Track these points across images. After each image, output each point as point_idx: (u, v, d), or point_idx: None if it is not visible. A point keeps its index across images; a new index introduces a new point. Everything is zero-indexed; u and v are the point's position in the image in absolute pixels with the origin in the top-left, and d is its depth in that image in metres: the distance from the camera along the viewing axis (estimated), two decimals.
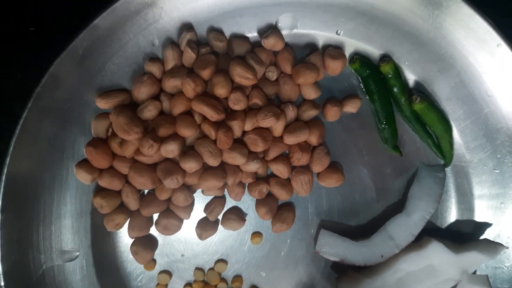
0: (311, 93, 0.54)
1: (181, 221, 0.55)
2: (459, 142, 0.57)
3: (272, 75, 0.53)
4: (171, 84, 0.51)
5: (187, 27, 0.53)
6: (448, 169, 0.57)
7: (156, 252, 0.57)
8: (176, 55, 0.52)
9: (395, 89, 0.55)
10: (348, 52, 0.56)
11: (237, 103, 0.50)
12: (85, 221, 0.55)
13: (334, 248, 0.55)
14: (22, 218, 0.52)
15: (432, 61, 0.55)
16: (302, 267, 0.57)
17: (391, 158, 0.57)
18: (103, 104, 0.51)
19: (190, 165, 0.50)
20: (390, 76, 0.54)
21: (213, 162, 0.51)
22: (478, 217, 0.57)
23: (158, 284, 0.57)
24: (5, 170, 0.50)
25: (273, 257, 0.57)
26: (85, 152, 0.52)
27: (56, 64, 0.49)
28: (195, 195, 0.56)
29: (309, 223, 0.57)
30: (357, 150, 0.57)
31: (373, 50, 0.55)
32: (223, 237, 0.57)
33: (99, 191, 0.54)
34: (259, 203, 0.55)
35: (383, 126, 0.56)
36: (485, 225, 0.57)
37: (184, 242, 0.57)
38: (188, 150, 0.52)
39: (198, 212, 0.56)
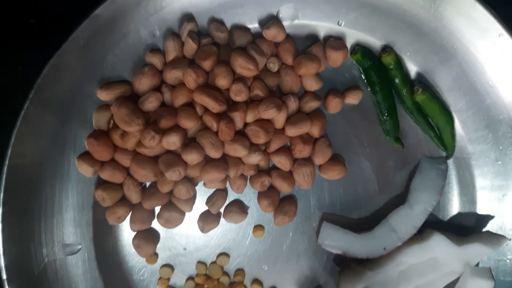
0: (312, 85, 0.54)
1: (183, 214, 0.55)
2: (461, 134, 0.56)
3: (274, 66, 0.53)
4: (172, 76, 0.51)
5: (188, 17, 0.53)
6: (450, 161, 0.57)
7: (158, 246, 0.56)
8: (177, 46, 0.51)
9: (397, 80, 0.55)
10: (349, 43, 0.55)
11: (239, 94, 0.50)
12: (87, 215, 0.55)
13: (336, 240, 0.55)
14: (23, 211, 0.52)
15: (434, 51, 0.55)
16: (304, 260, 0.57)
17: (393, 150, 0.57)
18: (104, 95, 0.50)
19: (192, 157, 0.50)
20: (391, 67, 0.54)
21: (215, 154, 0.51)
22: (481, 209, 0.57)
23: (160, 278, 0.57)
24: (6, 163, 0.50)
25: (275, 251, 0.57)
26: (86, 144, 0.52)
27: (57, 55, 0.49)
28: (197, 188, 0.55)
29: (311, 216, 0.57)
30: (359, 142, 0.57)
31: (375, 41, 0.55)
32: (225, 230, 0.57)
33: (101, 184, 0.54)
34: (261, 195, 0.55)
35: (385, 117, 0.55)
36: (488, 217, 0.57)
37: (186, 236, 0.57)
38: (190, 142, 0.52)
39: (200, 205, 0.56)
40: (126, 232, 0.56)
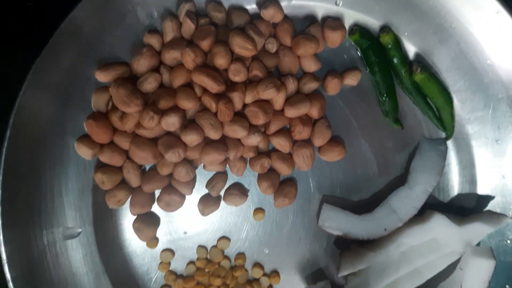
0: (311, 65, 0.54)
1: (183, 197, 0.55)
2: (460, 114, 0.56)
3: (272, 47, 0.53)
4: (170, 56, 0.51)
5: None
6: (449, 142, 0.57)
7: (159, 230, 0.56)
8: (175, 26, 0.51)
9: (395, 60, 0.55)
10: (347, 24, 0.55)
11: (237, 74, 0.50)
12: (87, 198, 0.54)
13: (337, 222, 0.55)
14: (23, 195, 0.52)
15: (432, 31, 0.55)
16: (305, 243, 0.57)
17: (392, 132, 0.57)
18: (102, 76, 0.50)
19: (191, 138, 0.50)
20: (390, 46, 0.54)
21: (214, 134, 0.51)
22: (481, 189, 0.57)
23: (161, 262, 0.57)
24: (5, 145, 0.50)
25: (276, 234, 0.57)
26: (85, 126, 0.51)
27: (55, 35, 0.49)
28: (197, 172, 0.55)
29: (311, 199, 0.57)
30: (358, 124, 0.57)
31: (373, 21, 0.55)
32: (226, 214, 0.57)
33: (100, 167, 0.53)
34: (261, 177, 0.55)
35: (383, 98, 0.55)
36: (488, 198, 0.57)
37: (187, 220, 0.57)
38: (189, 124, 0.51)
39: (200, 189, 0.56)
40: (126, 216, 0.56)
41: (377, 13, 0.55)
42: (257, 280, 0.57)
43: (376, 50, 0.54)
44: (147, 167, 0.55)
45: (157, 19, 0.53)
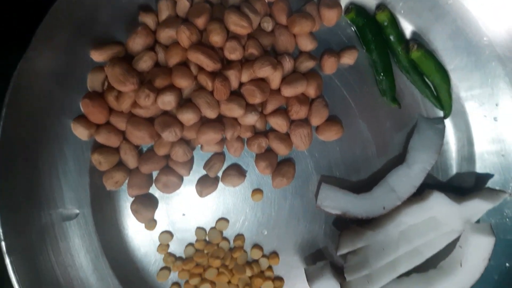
0: (307, 44, 0.54)
1: (180, 178, 0.55)
2: (457, 92, 0.56)
3: (268, 25, 0.53)
4: (166, 35, 0.51)
5: None
6: (447, 121, 0.57)
7: (157, 212, 0.56)
8: (170, 5, 0.51)
9: (392, 38, 0.54)
10: (343, 2, 0.55)
11: (233, 51, 0.50)
12: (84, 180, 0.54)
13: (336, 201, 0.55)
14: (20, 176, 0.52)
15: (428, 8, 0.54)
16: (304, 224, 0.57)
17: (390, 111, 0.57)
18: (97, 56, 0.50)
19: (187, 117, 0.50)
20: (386, 24, 0.54)
21: (210, 113, 0.51)
22: (480, 168, 0.57)
23: (160, 244, 0.57)
24: (1, 125, 0.49)
25: (275, 215, 0.57)
26: (81, 105, 0.51)
27: (49, 14, 0.48)
28: (194, 154, 0.55)
29: (310, 179, 0.57)
30: (355, 104, 0.57)
31: (368, 0, 0.55)
32: (224, 196, 0.57)
33: (97, 148, 0.53)
34: (258, 157, 0.55)
35: (381, 77, 0.55)
36: (487, 176, 0.57)
37: (185, 202, 0.56)
38: (185, 103, 0.51)
39: (198, 171, 0.56)
40: (125, 198, 0.56)
41: None
42: (256, 262, 0.57)
43: (372, 28, 0.54)
44: (144, 149, 0.55)
45: None
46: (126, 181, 0.54)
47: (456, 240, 0.55)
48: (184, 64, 0.51)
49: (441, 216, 0.54)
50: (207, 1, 0.52)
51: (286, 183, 0.55)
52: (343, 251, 0.54)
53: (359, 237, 0.54)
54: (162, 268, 0.57)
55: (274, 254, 0.57)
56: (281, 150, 0.54)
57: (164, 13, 0.51)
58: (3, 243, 0.50)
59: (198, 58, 0.49)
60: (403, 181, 0.55)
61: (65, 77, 0.52)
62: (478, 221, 0.55)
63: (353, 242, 0.54)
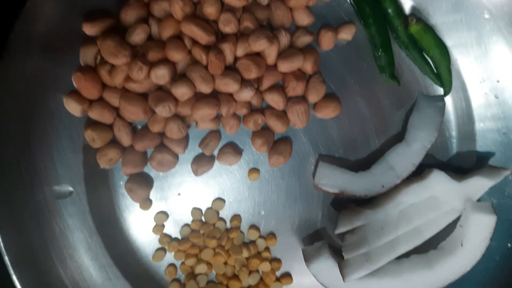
0: (304, 18, 0.53)
1: (175, 156, 0.54)
2: (457, 69, 0.55)
3: None
4: (159, 7, 0.50)
5: None
6: (447, 98, 0.56)
7: (152, 192, 0.55)
8: None
9: (390, 11, 0.53)
10: None
11: (228, 24, 0.49)
12: (78, 157, 0.53)
13: (333, 179, 0.54)
14: (12, 154, 0.51)
15: None
16: (301, 204, 0.56)
17: (389, 88, 0.56)
18: (89, 28, 0.49)
19: (182, 91, 0.49)
20: None
21: (205, 88, 0.50)
22: (480, 146, 0.56)
23: (155, 224, 0.56)
24: None
25: (272, 195, 0.56)
26: (73, 79, 0.50)
27: None
28: (190, 133, 0.54)
29: (307, 158, 0.56)
30: (354, 81, 0.56)
31: None
32: (220, 175, 0.56)
33: (91, 124, 0.52)
34: (255, 135, 0.54)
35: (379, 53, 0.54)
36: (488, 155, 0.56)
37: (180, 181, 0.56)
38: (179, 77, 0.50)
39: (193, 150, 0.55)
40: (119, 176, 0.55)
41: None
42: (253, 242, 0.56)
43: (370, 2, 0.53)
44: (139, 127, 0.54)
45: None
46: (121, 160, 0.53)
47: (457, 220, 0.54)
48: (178, 38, 0.50)
49: (441, 195, 0.53)
50: None
51: (283, 161, 0.54)
52: (341, 229, 0.53)
53: (358, 216, 0.53)
54: (157, 249, 0.56)
55: (271, 235, 0.57)
56: (278, 127, 0.54)
57: None
58: None
59: (192, 30, 0.48)
60: (403, 159, 0.53)
61: (57, 50, 0.51)
62: (479, 200, 0.54)
63: (351, 220, 0.53)
